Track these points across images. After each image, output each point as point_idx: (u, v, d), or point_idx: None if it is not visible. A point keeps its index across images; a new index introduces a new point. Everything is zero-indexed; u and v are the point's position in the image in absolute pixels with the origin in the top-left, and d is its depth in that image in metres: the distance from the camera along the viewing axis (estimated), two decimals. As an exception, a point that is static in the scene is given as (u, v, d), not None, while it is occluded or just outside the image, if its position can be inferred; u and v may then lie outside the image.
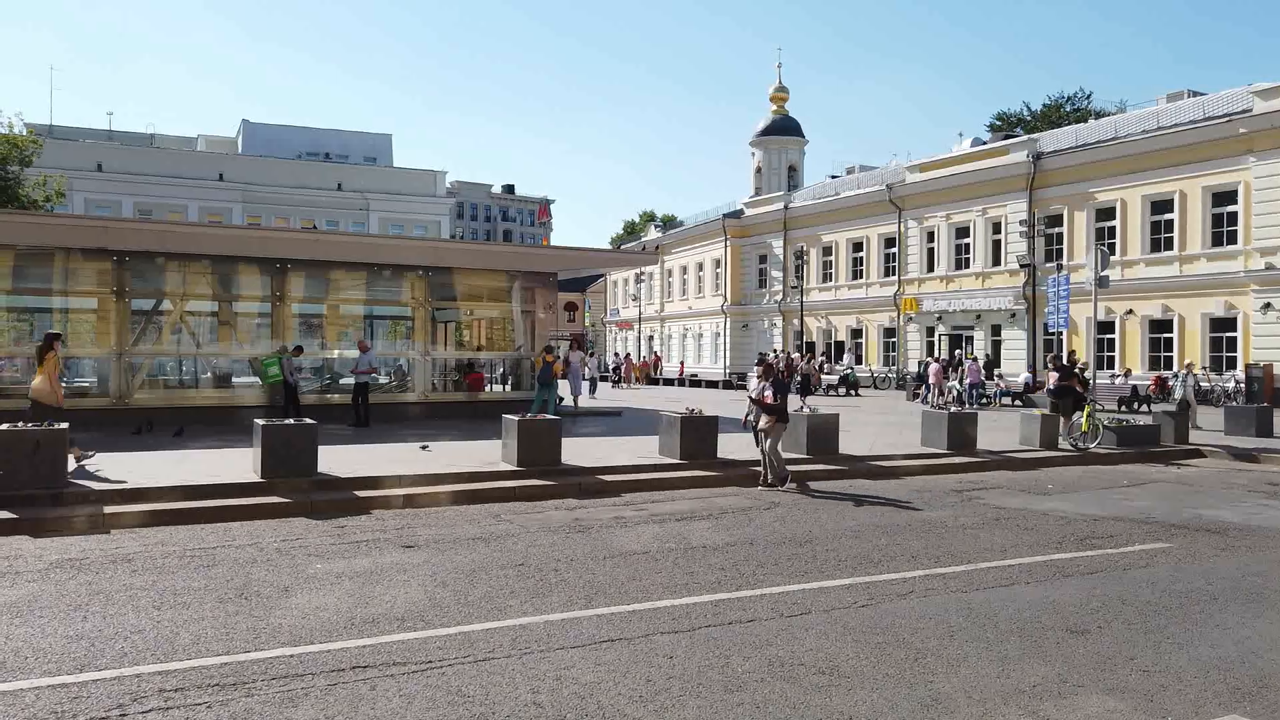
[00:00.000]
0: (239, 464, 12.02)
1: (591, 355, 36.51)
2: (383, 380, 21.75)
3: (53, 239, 18.57)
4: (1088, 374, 20.68)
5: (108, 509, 9.67)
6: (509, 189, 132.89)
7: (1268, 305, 28.53)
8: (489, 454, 13.62)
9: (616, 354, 59.85)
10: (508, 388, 23.79)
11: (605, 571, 7.80)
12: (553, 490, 11.86)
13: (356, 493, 11.05)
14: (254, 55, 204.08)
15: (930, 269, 41.38)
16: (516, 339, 23.67)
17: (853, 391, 35.55)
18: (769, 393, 12.52)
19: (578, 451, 14.33)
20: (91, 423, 15.80)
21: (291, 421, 11.95)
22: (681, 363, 56.30)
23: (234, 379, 20.86)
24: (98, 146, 55.40)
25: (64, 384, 13.46)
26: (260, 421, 11.53)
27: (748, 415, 13.10)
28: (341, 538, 9.08)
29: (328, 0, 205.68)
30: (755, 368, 14.37)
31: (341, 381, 20.99)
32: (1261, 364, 28.00)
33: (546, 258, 25.47)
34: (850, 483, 13.41)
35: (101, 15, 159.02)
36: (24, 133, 37.10)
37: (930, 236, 41.38)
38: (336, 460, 12.62)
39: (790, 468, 13.95)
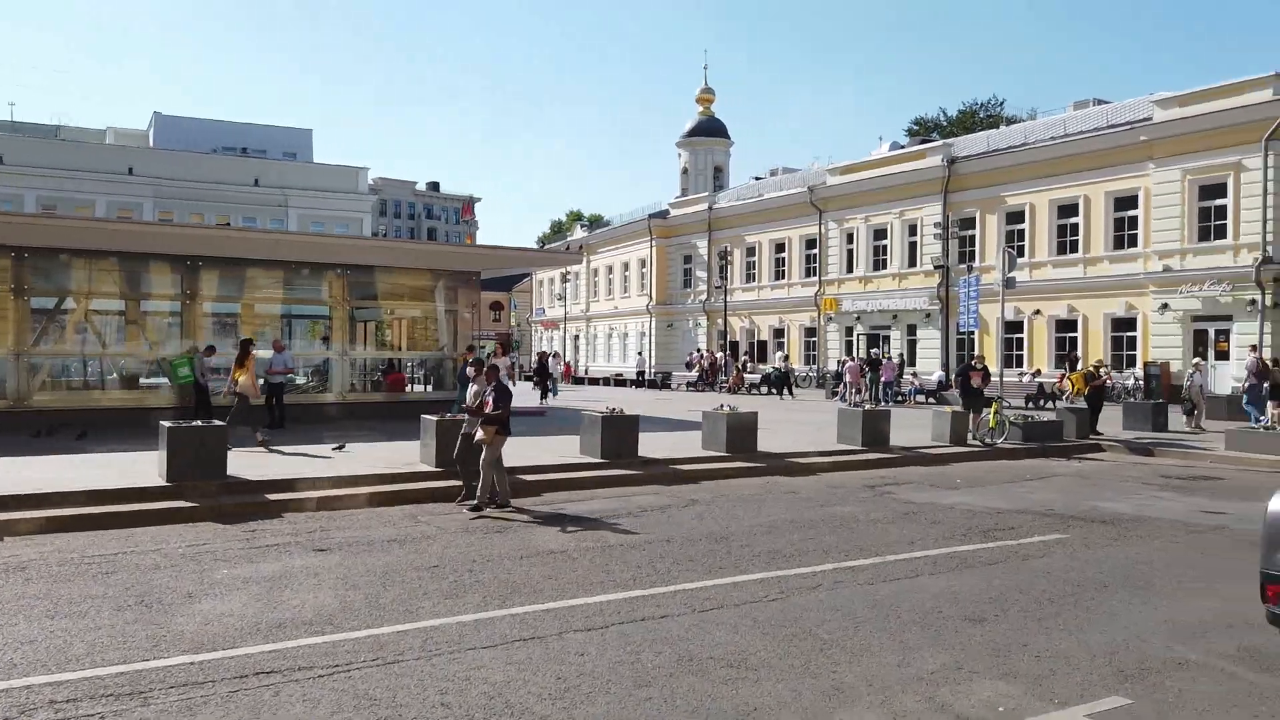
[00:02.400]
0: (145, 468, 11.64)
1: (513, 353, 36.22)
2: (300, 381, 21.28)
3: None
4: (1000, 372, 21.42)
5: (0, 516, 9.27)
6: (434, 186, 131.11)
7: (1165, 306, 29.88)
8: (408, 455, 13.46)
9: (540, 354, 59.56)
10: (430, 388, 23.50)
11: (522, 571, 7.80)
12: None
13: (268, 496, 10.81)
14: (167, 47, 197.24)
15: (850, 270, 42.24)
16: (440, 339, 23.40)
17: (787, 391, 35.87)
18: (490, 398, 10.65)
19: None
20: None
21: (200, 423, 11.62)
22: (575, 362, 55.87)
23: (142, 380, 20.16)
24: (-3, 138, 52.82)
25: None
26: (166, 424, 11.19)
27: (458, 420, 11.47)
28: (251, 542, 8.89)
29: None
30: (469, 370, 11.87)
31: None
32: (1159, 362, 29.35)
33: (470, 257, 25.23)
34: (768, 480, 13.63)
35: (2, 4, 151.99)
36: None
37: (850, 238, 42.23)
38: (248, 463, 12.32)
39: (713, 465, 14.15)
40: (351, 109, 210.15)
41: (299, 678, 5.26)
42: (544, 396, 29.00)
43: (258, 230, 38.64)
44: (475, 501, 10.67)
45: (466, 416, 11.33)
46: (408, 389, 23.20)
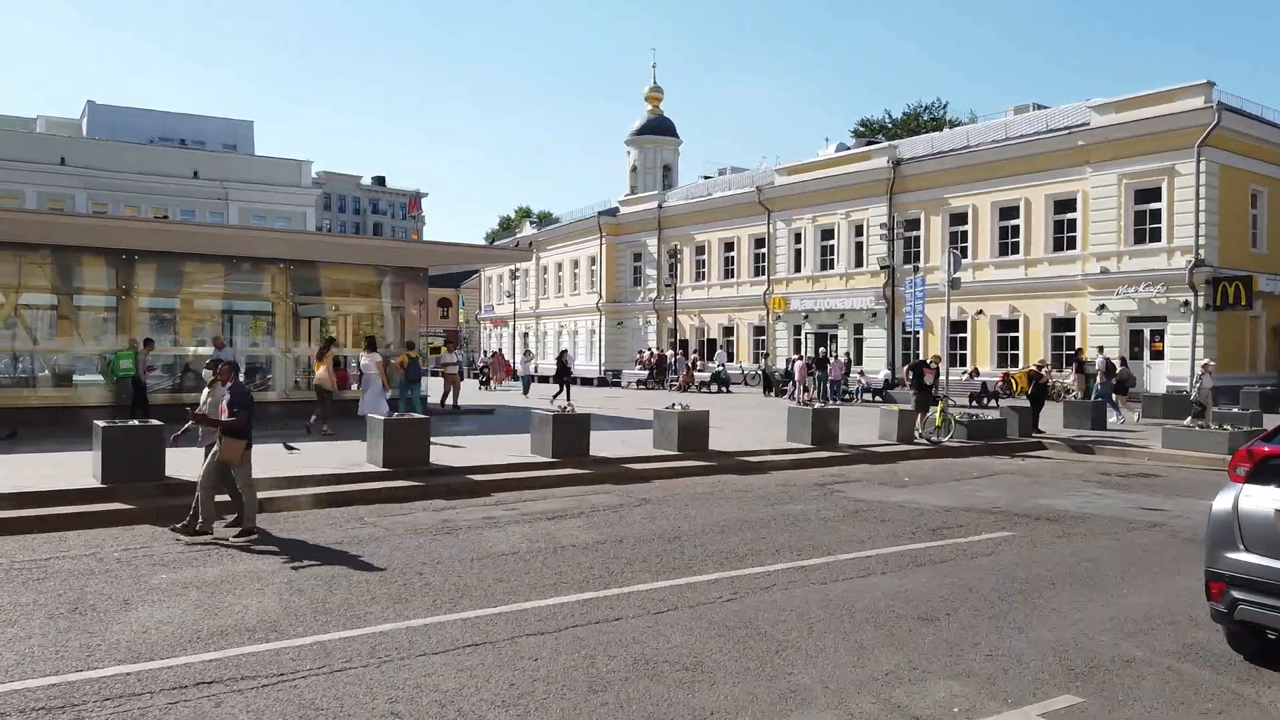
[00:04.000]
0: (78, 468, 11.22)
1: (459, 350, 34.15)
2: (240, 379, 20.72)
3: None
4: (943, 371, 21.75)
5: (-78, 520, 8.86)
6: (379, 181, 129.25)
7: (1102, 307, 30.65)
8: (354, 455, 13.20)
9: (485, 351, 58.87)
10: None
11: (472, 574, 7.67)
12: (421, 491, 11.59)
13: (209, 497, 10.46)
14: (102, 38, 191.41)
15: (797, 269, 42.59)
16: (387, 336, 23.01)
17: (724, 388, 36.27)
18: (225, 402, 8.94)
19: (447, 451, 14.06)
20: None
21: (137, 422, 11.24)
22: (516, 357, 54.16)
23: (75, 377, 19.49)
24: (-81, 125, 50.75)
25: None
26: (101, 423, 10.80)
27: (186, 431, 9.56)
28: (190, 546, 8.60)
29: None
30: (206, 372, 10.07)
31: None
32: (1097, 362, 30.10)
33: (417, 252, 24.86)
34: (719, 478, 13.64)
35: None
36: None
37: (797, 238, 42.58)
38: (186, 463, 11.93)
39: (665, 464, 14.10)
40: (295, 102, 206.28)
41: (242, 688, 5.08)
42: (560, 396, 27.65)
43: (197, 224, 37.71)
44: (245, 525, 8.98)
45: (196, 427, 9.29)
46: (353, 387, 22.77)
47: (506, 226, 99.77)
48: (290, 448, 13.46)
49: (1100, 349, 27.15)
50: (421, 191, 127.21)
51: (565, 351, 35.17)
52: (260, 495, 10.63)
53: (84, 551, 8.28)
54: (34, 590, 6.95)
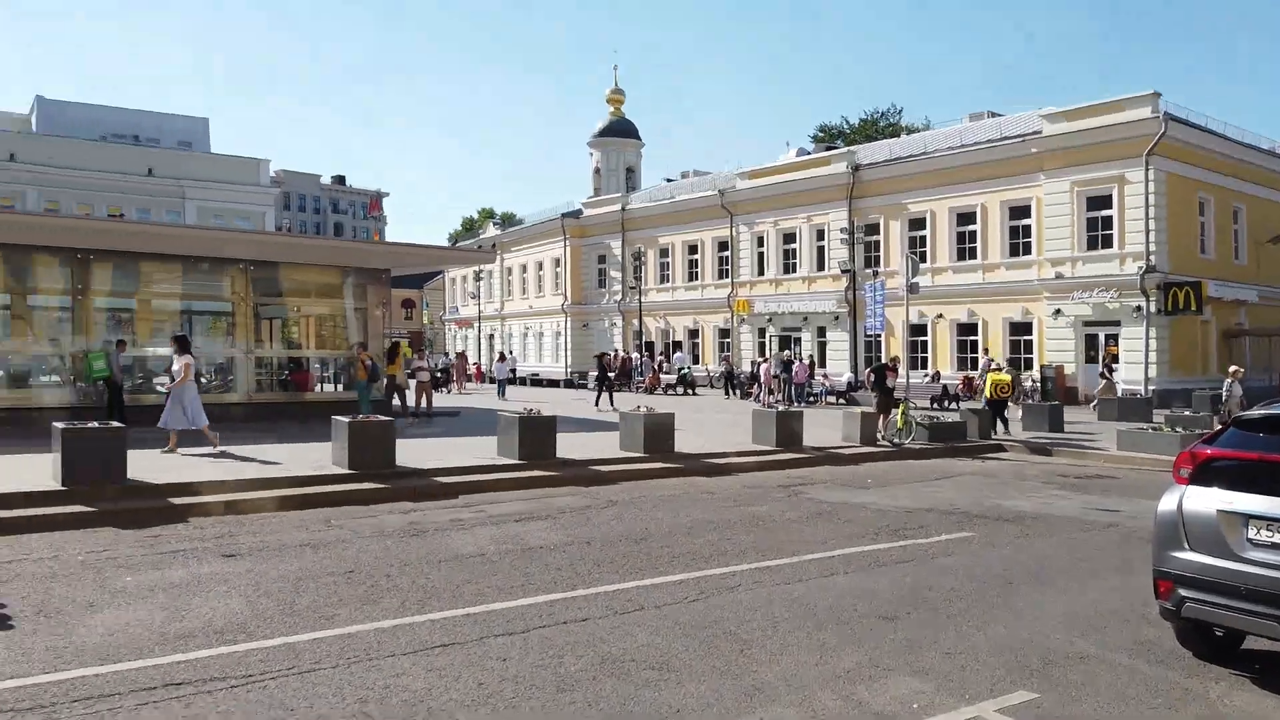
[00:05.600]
0: (37, 471, 11.05)
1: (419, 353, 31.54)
2: (202, 380, 20.48)
3: None
4: (903, 373, 22.08)
5: (-125, 524, 8.70)
6: (339, 180, 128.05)
7: (1058, 311, 31.31)
8: (318, 457, 13.13)
9: (445, 354, 58.24)
10: (339, 387, 22.95)
11: (440, 575, 7.70)
12: (386, 493, 11.58)
13: (172, 500, 10.39)
14: (47, 29, 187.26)
15: (761, 272, 42.93)
16: (350, 337, 22.87)
17: (690, 390, 36.51)
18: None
19: (413, 453, 14.03)
20: None
21: (96, 424, 11.11)
22: (476, 364, 53.28)
23: (31, 379, 19.12)
24: None
25: None
26: (59, 425, 10.66)
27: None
28: (154, 548, 8.54)
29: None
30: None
31: (155, 381, 19.61)
32: (1054, 365, 30.73)
33: (379, 253, 24.74)
34: (685, 480, 13.76)
35: None
36: None
37: (760, 241, 42.93)
38: (149, 465, 11.82)
39: (631, 466, 14.20)
40: (251, 99, 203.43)
41: (211, 688, 5.09)
42: (603, 400, 27.01)
43: (153, 223, 37.14)
44: None
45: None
46: (316, 388, 22.61)
47: (469, 227, 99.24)
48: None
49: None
50: (383, 191, 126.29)
51: (605, 354, 33.98)
52: (224, 498, 10.63)
53: (47, 554, 8.18)
54: (-6, 594, 6.88)
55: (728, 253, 44.70)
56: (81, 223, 23.79)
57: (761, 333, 42.88)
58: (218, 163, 55.06)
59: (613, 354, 45.00)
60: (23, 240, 18.47)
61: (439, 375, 37.81)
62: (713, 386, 41.11)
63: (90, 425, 10.95)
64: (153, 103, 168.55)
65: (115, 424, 11.08)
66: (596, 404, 26.80)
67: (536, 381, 47.19)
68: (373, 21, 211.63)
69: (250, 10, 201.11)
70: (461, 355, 47.90)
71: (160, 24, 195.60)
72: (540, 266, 58.75)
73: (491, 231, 66.51)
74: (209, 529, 9.48)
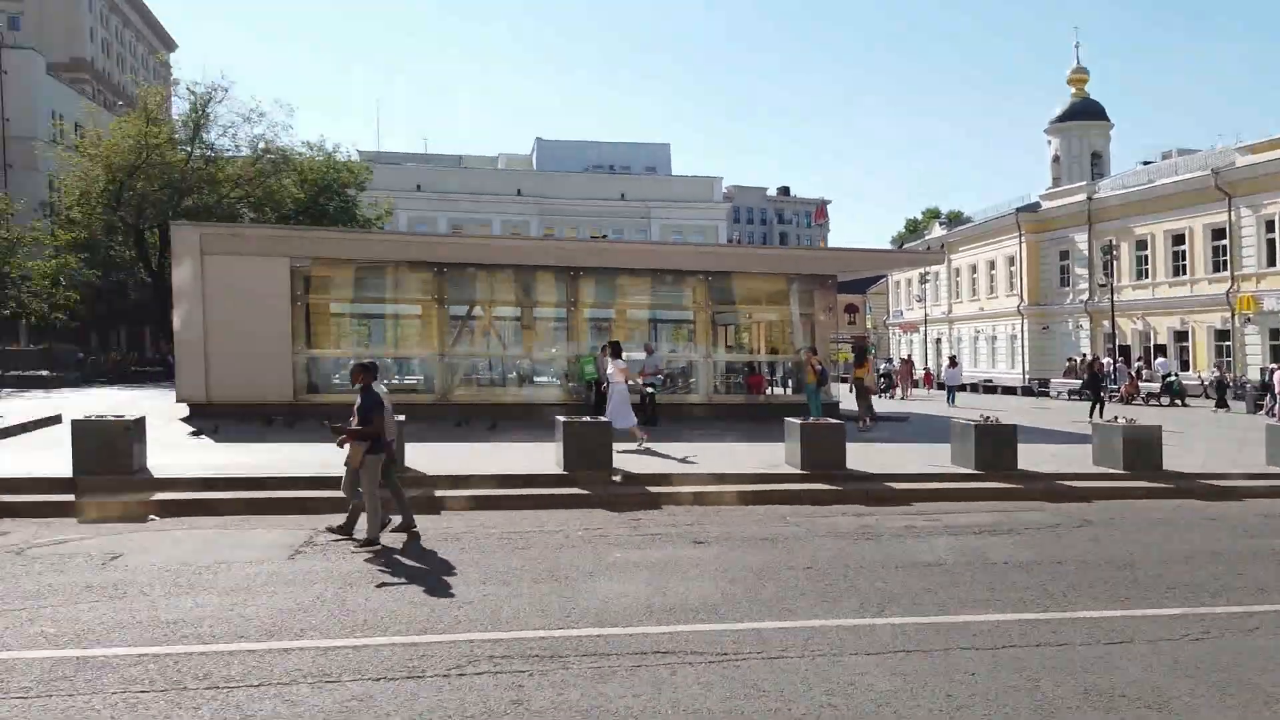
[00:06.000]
0: (544, 457, 12.96)
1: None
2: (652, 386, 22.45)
3: (390, 254, 21.12)
4: None
5: (438, 492, 10.84)
6: (784, 191, 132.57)
7: None
8: (771, 456, 13.69)
9: (888, 359, 57.21)
10: (788, 390, 23.75)
11: (898, 580, 7.60)
12: (838, 495, 11.71)
13: (648, 488, 11.54)
14: (542, 80, 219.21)
15: (1271, 263, 36.12)
16: (796, 342, 23.58)
17: (1178, 401, 31.75)
18: (356, 407, 8.70)
19: (863, 457, 14.02)
20: (420, 417, 17.67)
21: (588, 419, 12.74)
22: (927, 369, 51.05)
23: (535, 379, 22.53)
24: (417, 169, 62.16)
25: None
26: (561, 418, 12.40)
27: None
28: (636, 530, 9.55)
29: (602, 24, 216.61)
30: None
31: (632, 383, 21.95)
32: None
33: (823, 260, 25.14)
34: (1177, 503, 12.05)
35: (419, 52, 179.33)
36: (357, 160, 42.75)
37: (1269, 226, 36.15)
38: (623, 458, 13.23)
39: (1107, 483, 12.79)
40: (705, 120, 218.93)
41: (692, 661, 5.55)
42: (1095, 411, 24.36)
43: (630, 242, 41.63)
44: (366, 535, 8.59)
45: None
46: (767, 391, 23.65)
47: (913, 229, 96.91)
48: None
49: None
50: (826, 199, 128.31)
51: (1098, 359, 31.14)
52: (691, 490, 11.51)
53: (555, 528, 9.56)
54: (520, 557, 8.19)
55: (1224, 241, 38.33)
56: (572, 245, 27.47)
57: (1274, 334, 36.11)
58: (676, 184, 60.27)
59: (1081, 359, 40.94)
60: (529, 261, 21.83)
61: (881, 381, 37.37)
62: (1207, 396, 35.44)
63: (584, 420, 12.58)
64: (625, 133, 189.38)
65: (602, 419, 12.59)
66: (1090, 416, 24.11)
67: (989, 388, 44.49)
68: (810, 35, 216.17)
69: (699, 38, 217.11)
70: (907, 360, 46.86)
71: (625, 59, 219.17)
72: (992, 265, 55.42)
73: (937, 232, 64.26)
74: (680, 517, 10.36)
